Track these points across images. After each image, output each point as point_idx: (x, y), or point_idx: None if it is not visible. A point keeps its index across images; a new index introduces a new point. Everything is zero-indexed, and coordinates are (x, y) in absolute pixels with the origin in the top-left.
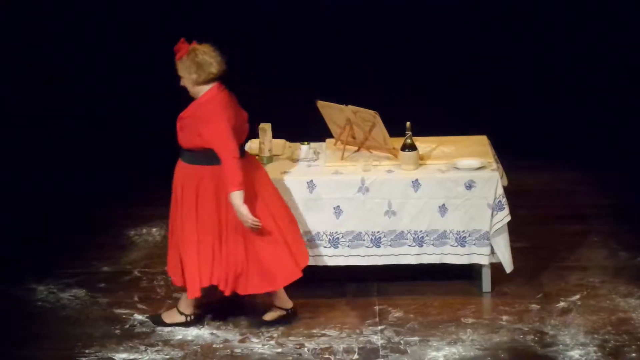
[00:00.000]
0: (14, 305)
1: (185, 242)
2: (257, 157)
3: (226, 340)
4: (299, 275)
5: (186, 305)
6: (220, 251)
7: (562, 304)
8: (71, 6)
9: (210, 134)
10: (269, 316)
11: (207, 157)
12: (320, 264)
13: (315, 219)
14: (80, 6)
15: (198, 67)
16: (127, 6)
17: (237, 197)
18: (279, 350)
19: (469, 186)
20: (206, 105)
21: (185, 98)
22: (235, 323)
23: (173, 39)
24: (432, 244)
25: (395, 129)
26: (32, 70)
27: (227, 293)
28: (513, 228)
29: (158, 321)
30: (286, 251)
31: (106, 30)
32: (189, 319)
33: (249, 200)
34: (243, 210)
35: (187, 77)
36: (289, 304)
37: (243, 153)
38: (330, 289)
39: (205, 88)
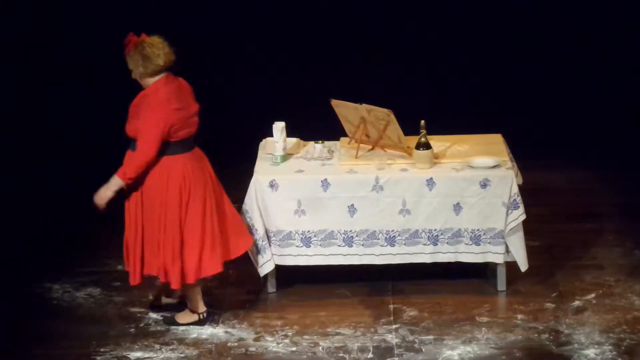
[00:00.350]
0: (29, 304)
1: (132, 230)
2: (271, 156)
3: (241, 339)
4: (190, 281)
5: (196, 304)
6: (158, 242)
7: (577, 302)
8: (71, 6)
9: (141, 122)
10: (156, 300)
11: None
12: (334, 262)
13: (330, 217)
14: (80, 6)
15: (145, 60)
16: (131, 5)
17: (115, 184)
18: (294, 348)
19: (484, 185)
20: (150, 96)
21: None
22: (250, 322)
23: (175, 40)
24: (447, 243)
25: (409, 128)
26: (32, 70)
27: (174, 286)
28: (528, 227)
29: (172, 322)
30: (195, 257)
31: (107, 30)
32: (201, 317)
33: (184, 198)
34: (108, 194)
35: (135, 69)
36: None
37: (191, 146)
38: (345, 287)
39: (154, 79)
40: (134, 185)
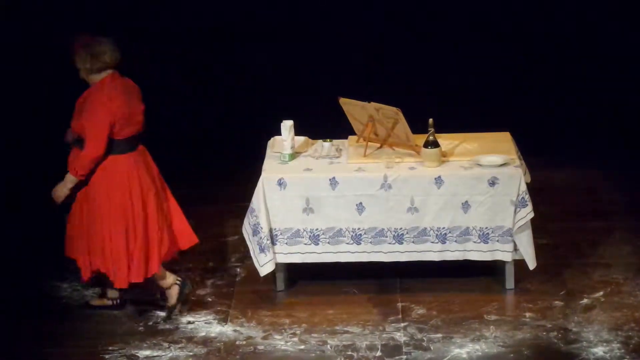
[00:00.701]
0: (38, 302)
1: (77, 228)
2: (279, 154)
3: (249, 337)
4: (138, 280)
5: (166, 280)
6: (103, 241)
7: (585, 300)
8: (71, 6)
9: (86, 119)
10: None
11: None
12: (342, 260)
13: (338, 215)
14: (80, 6)
15: (92, 57)
16: (131, 4)
17: (70, 181)
18: (302, 347)
19: (492, 183)
20: (95, 93)
21: (182, 93)
22: (258, 320)
23: (180, 39)
24: (455, 241)
25: (417, 126)
26: (32, 69)
27: (120, 285)
28: (536, 225)
29: (170, 312)
30: (141, 256)
31: (107, 30)
32: (178, 283)
33: (130, 196)
34: (64, 191)
35: (83, 67)
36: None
37: (135, 144)
38: (353, 285)
39: (100, 76)
40: (80, 183)
